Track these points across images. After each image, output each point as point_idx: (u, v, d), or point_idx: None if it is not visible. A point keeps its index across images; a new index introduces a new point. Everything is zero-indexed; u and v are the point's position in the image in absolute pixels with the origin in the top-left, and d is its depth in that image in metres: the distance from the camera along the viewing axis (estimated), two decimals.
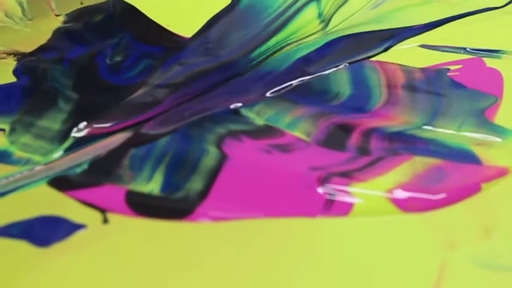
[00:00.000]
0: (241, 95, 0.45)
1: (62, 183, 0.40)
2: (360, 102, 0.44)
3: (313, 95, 0.45)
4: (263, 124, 0.43)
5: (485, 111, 0.44)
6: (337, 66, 0.47)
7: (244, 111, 0.44)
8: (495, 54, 0.47)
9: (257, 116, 0.44)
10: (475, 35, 0.49)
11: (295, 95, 0.45)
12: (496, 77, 0.46)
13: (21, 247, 0.37)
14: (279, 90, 0.45)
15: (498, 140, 0.42)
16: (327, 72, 0.46)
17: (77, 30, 0.51)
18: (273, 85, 0.46)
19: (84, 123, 0.43)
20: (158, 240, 0.38)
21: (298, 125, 0.43)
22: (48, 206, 0.39)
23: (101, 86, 0.47)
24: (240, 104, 0.44)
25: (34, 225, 0.38)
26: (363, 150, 0.41)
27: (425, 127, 0.43)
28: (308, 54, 0.48)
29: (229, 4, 0.52)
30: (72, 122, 0.44)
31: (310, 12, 0.51)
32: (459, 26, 0.50)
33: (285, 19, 0.51)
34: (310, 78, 0.46)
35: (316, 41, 0.49)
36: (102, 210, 0.39)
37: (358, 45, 0.48)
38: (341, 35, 0.49)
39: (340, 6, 0.53)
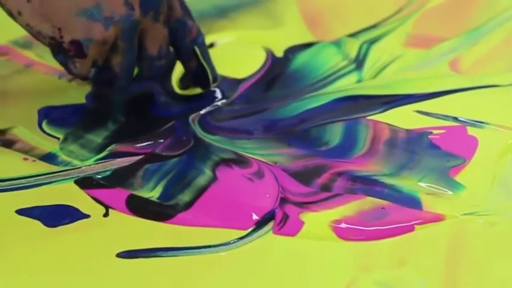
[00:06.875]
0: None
1: (84, 182, 0.51)
2: (343, 150, 0.52)
3: (308, 140, 0.53)
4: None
5: (450, 170, 0.50)
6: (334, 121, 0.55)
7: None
8: (480, 124, 0.54)
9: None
10: (470, 106, 0.56)
11: (291, 139, 0.54)
12: (473, 143, 0.53)
13: (36, 225, 0.48)
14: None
15: (449, 192, 0.49)
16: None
17: None
18: (279, 129, 0.55)
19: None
20: (141, 237, 0.48)
21: (273, 158, 0.52)
22: (68, 198, 0.49)
23: (146, 115, 0.57)
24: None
25: (50, 210, 0.49)
26: (325, 187, 0.49)
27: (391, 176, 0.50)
28: (313, 108, 0.56)
29: (279, 63, 0.61)
30: (112, 139, 0.54)
31: (349, 79, 0.60)
32: (462, 97, 0.57)
33: (325, 83, 0.59)
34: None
35: (324, 97, 0.57)
36: (106, 206, 0.49)
37: (359, 107, 0.56)
38: (348, 94, 0.57)
39: (380, 71, 0.61)
